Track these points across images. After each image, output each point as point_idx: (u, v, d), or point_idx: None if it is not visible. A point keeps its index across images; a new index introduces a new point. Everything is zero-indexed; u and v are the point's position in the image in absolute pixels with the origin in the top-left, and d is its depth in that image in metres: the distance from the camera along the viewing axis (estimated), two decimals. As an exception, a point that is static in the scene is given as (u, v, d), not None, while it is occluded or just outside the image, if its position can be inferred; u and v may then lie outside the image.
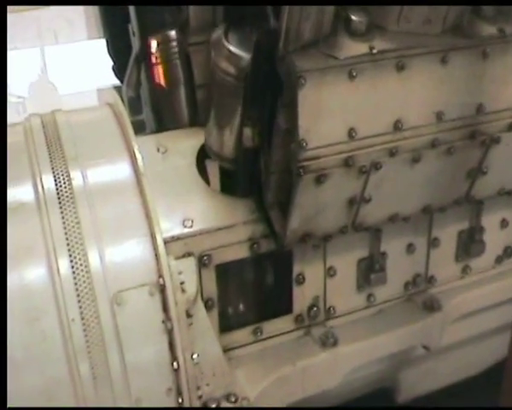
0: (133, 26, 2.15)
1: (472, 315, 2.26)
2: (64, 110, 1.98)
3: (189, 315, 1.72)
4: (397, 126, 1.68)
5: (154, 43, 2.07)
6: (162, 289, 1.68)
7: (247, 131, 1.75)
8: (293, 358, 1.98)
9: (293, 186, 1.66)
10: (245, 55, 1.71)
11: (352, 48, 1.59)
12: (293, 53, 1.55)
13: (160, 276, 1.68)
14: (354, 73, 1.58)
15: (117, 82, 2.49)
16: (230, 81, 1.74)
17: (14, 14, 4.30)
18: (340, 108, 1.60)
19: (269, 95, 1.67)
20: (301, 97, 1.54)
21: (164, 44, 2.06)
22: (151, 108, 2.15)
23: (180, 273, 1.70)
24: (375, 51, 1.58)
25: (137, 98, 2.21)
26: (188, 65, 2.05)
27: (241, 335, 1.98)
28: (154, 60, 2.08)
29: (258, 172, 1.84)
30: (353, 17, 1.60)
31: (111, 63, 2.49)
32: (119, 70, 2.37)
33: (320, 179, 1.66)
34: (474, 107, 1.76)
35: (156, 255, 1.69)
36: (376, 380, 2.33)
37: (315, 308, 2.04)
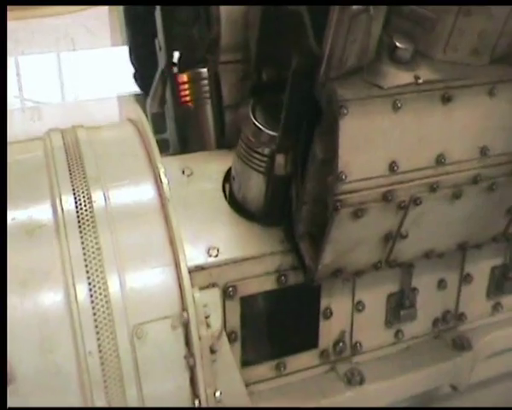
0: (159, 40, 2.06)
1: (501, 353, 2.16)
2: (85, 126, 1.89)
3: (212, 351, 1.63)
4: (439, 161, 1.59)
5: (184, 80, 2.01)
6: (185, 323, 1.59)
7: (280, 159, 1.67)
8: (317, 396, 1.89)
9: (329, 220, 1.57)
10: (270, 132, 1.68)
11: (397, 77, 1.50)
12: (335, 80, 1.46)
13: (184, 309, 1.59)
14: (399, 104, 1.49)
15: (134, 90, 2.42)
16: (254, 155, 1.71)
17: (33, 21, 4.24)
18: (383, 140, 1.51)
19: (305, 122, 1.59)
20: (342, 128, 1.45)
21: (194, 82, 2.00)
22: (176, 126, 2.07)
23: (205, 306, 1.61)
24: (420, 81, 1.49)
25: (161, 115, 2.12)
26: (216, 84, 1.97)
27: (264, 369, 1.89)
28: (184, 98, 2.02)
29: (288, 201, 1.75)
30: (398, 44, 1.51)
31: (131, 71, 2.42)
32: (141, 78, 2.29)
33: (357, 214, 1.57)
34: (520, 142, 1.67)
35: (180, 286, 1.60)
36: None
37: (341, 344, 1.95)
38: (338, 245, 1.63)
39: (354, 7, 1.34)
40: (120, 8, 2.15)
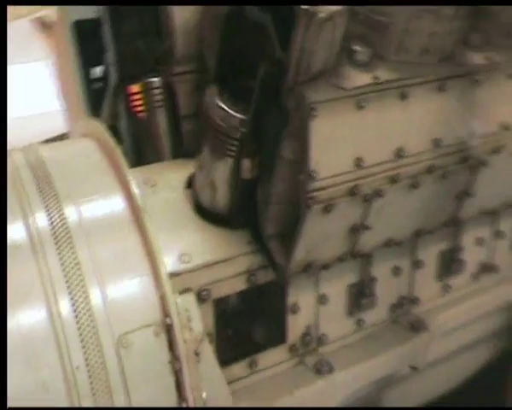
0: (109, 55, 2.08)
1: (452, 331, 2.30)
2: (45, 144, 1.90)
3: (196, 354, 1.67)
4: (399, 154, 1.70)
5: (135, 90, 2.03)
6: (168, 329, 1.63)
7: (246, 163, 1.73)
8: (290, 388, 1.95)
9: (301, 217, 1.64)
10: (239, 115, 1.71)
11: (358, 78, 1.60)
12: (302, 85, 1.54)
13: (167, 315, 1.62)
14: (362, 104, 1.59)
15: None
16: (224, 139, 1.74)
17: None
18: (349, 138, 1.61)
19: (271, 126, 1.66)
20: (313, 129, 1.54)
21: (146, 92, 2.02)
22: (130, 139, 2.10)
23: (187, 311, 1.65)
24: (379, 81, 1.60)
25: (114, 129, 2.14)
26: (170, 94, 2.01)
27: (238, 368, 1.94)
28: (136, 108, 2.04)
29: (253, 203, 1.81)
30: (356, 48, 1.61)
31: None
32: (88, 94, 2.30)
33: (327, 209, 1.65)
34: (466, 132, 1.81)
35: (160, 294, 1.64)
36: (362, 403, 2.33)
37: (308, 337, 2.02)
38: (309, 241, 1.71)
39: (320, 15, 1.42)
40: (68, 24, 2.15)
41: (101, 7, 2.10)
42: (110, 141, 1.81)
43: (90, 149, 1.86)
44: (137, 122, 2.08)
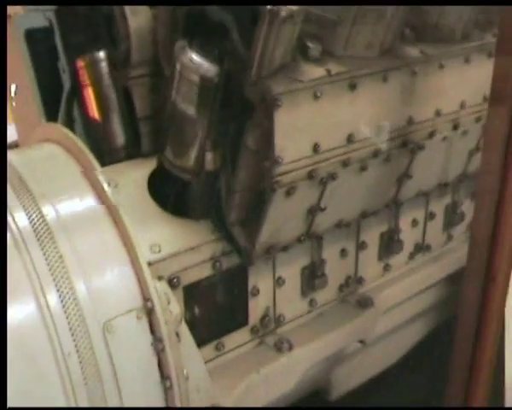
0: (62, 63, 2.17)
1: (394, 307, 2.49)
2: (10, 150, 1.96)
3: (176, 334, 1.78)
4: (350, 139, 1.88)
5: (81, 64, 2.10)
6: (149, 312, 1.73)
7: (209, 155, 1.86)
8: (256, 366, 2.09)
9: (266, 201, 1.79)
10: (211, 66, 1.77)
11: (312, 71, 1.77)
12: (265, 79, 1.69)
13: (148, 299, 1.73)
14: (318, 94, 1.75)
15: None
16: (196, 92, 1.79)
17: None
18: (307, 126, 1.77)
19: (234, 119, 1.80)
20: (277, 118, 1.69)
21: (92, 66, 2.10)
22: (87, 142, 2.17)
23: (166, 294, 1.76)
24: (332, 73, 1.77)
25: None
26: (125, 98, 2.11)
27: (206, 351, 2.05)
28: (83, 82, 2.11)
29: (216, 192, 1.94)
30: (309, 44, 1.78)
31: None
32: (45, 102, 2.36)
33: (289, 192, 1.81)
34: (406, 119, 2.01)
35: (139, 280, 1.74)
36: (315, 382, 2.48)
37: (267, 318, 2.16)
38: (272, 223, 1.86)
39: (282, 14, 1.58)
40: (19, 33, 2.21)
41: (50, 17, 2.17)
42: (76, 141, 1.89)
43: (56, 152, 1.94)
44: (93, 125, 2.16)
